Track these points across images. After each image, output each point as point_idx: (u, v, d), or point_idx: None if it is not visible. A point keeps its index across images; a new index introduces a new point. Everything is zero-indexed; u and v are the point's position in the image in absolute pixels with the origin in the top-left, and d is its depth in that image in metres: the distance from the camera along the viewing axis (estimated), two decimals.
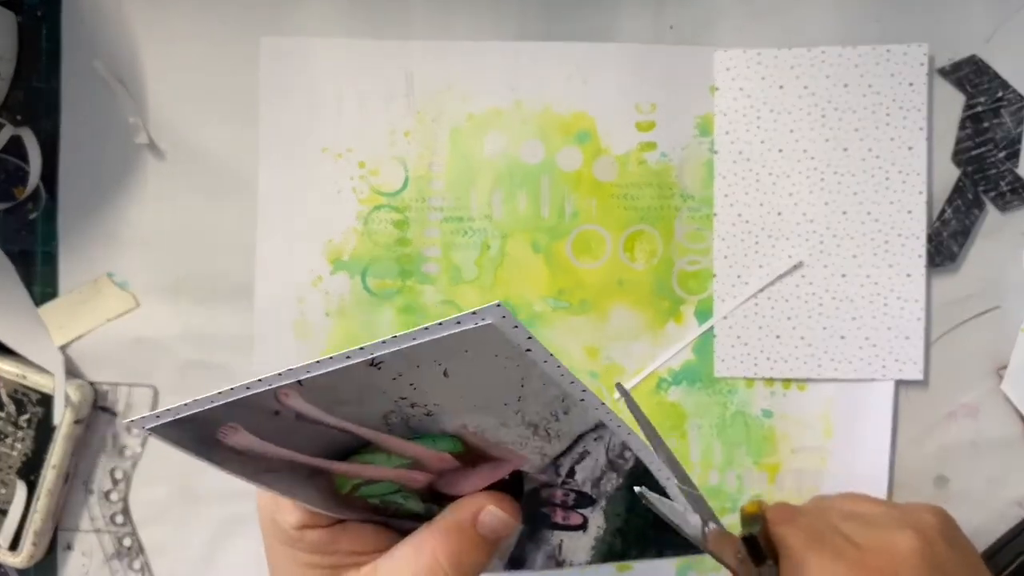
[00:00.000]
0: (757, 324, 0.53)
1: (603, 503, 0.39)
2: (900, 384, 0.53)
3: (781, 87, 0.52)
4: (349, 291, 0.54)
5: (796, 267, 0.53)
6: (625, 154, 0.53)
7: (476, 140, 0.53)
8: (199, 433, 0.32)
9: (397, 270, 0.54)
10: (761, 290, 0.53)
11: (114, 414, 0.56)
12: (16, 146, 0.56)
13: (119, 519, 0.57)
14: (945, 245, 0.53)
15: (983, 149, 0.52)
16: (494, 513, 0.36)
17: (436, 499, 0.37)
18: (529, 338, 0.28)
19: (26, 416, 0.55)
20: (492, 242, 0.54)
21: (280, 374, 0.29)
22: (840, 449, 0.54)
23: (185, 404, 0.30)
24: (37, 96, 0.55)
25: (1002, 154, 0.52)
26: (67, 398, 0.54)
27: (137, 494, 0.57)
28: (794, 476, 0.54)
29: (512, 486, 0.38)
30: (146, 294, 0.56)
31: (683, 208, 0.53)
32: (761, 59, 0.52)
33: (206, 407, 0.30)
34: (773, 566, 0.42)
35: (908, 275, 0.52)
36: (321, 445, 0.34)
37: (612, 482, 0.38)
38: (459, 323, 0.27)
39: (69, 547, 0.57)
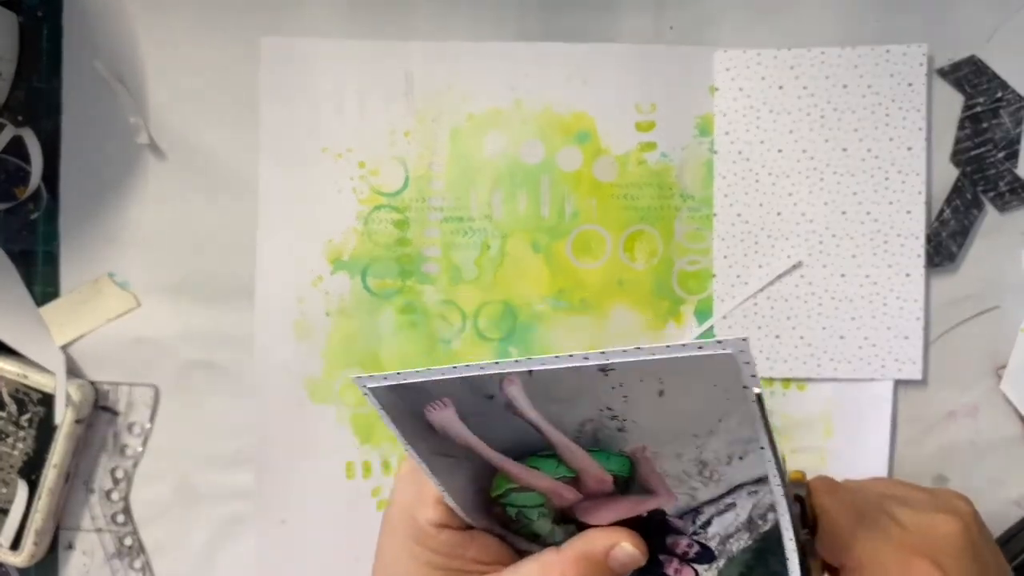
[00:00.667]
0: (756, 324, 0.53)
1: (722, 563, 0.37)
2: (899, 384, 0.53)
3: (781, 87, 0.53)
4: (349, 291, 0.54)
5: (795, 267, 0.53)
6: (625, 154, 0.53)
7: (476, 140, 0.54)
8: (412, 401, 0.33)
9: (397, 270, 0.54)
10: (760, 290, 0.53)
11: (115, 414, 0.56)
12: (17, 146, 0.56)
13: (120, 518, 0.57)
14: (944, 245, 0.53)
15: (982, 149, 0.52)
16: (628, 551, 0.35)
17: (566, 522, 0.37)
18: (753, 376, 0.29)
19: (27, 415, 0.55)
20: (492, 242, 0.54)
21: (517, 361, 0.30)
22: (840, 449, 0.54)
23: (417, 371, 0.31)
24: (38, 96, 0.55)
25: (1001, 154, 0.52)
26: (68, 398, 0.54)
27: (138, 493, 0.57)
28: None
29: (642, 525, 0.37)
30: (147, 294, 0.56)
31: (683, 208, 0.53)
32: (761, 59, 0.52)
33: (437, 377, 0.31)
34: (809, 536, 0.42)
35: (907, 275, 0.52)
36: (506, 441, 0.34)
37: (741, 542, 0.36)
38: (701, 348, 0.28)
39: (70, 546, 0.57)
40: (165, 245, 0.56)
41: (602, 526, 0.36)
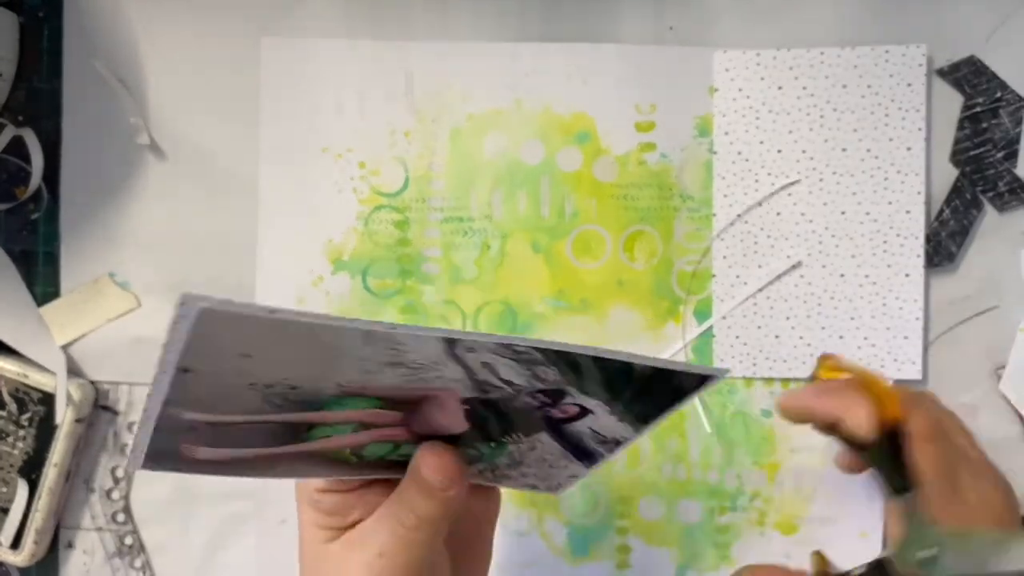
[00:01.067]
0: (756, 324, 0.54)
1: (571, 389, 0.36)
2: (899, 384, 0.53)
3: (780, 88, 0.53)
4: (350, 291, 0.55)
5: (795, 267, 0.53)
6: (625, 154, 0.53)
7: (476, 140, 0.54)
8: (162, 449, 0.33)
9: (397, 270, 0.54)
10: (760, 290, 0.53)
11: (115, 413, 0.57)
12: (18, 146, 0.56)
13: (120, 517, 0.57)
14: (944, 245, 0.53)
15: (982, 149, 0.52)
16: (424, 457, 0.37)
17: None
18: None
19: (28, 415, 0.55)
20: (492, 242, 0.54)
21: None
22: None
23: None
24: (39, 97, 0.56)
25: (1000, 154, 0.52)
26: (68, 397, 0.54)
27: (138, 493, 0.57)
28: (793, 476, 0.54)
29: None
30: (147, 294, 0.56)
31: (682, 208, 0.54)
32: (760, 60, 0.53)
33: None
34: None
35: (907, 275, 0.53)
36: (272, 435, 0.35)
37: (549, 375, 0.35)
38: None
39: (70, 545, 0.57)
40: (165, 245, 0.56)
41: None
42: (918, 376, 0.53)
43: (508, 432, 0.39)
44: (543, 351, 0.33)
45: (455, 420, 0.37)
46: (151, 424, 0.31)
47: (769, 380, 0.54)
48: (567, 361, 0.34)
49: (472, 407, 0.37)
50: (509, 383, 0.36)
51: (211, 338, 0.28)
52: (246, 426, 0.34)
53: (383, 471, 0.38)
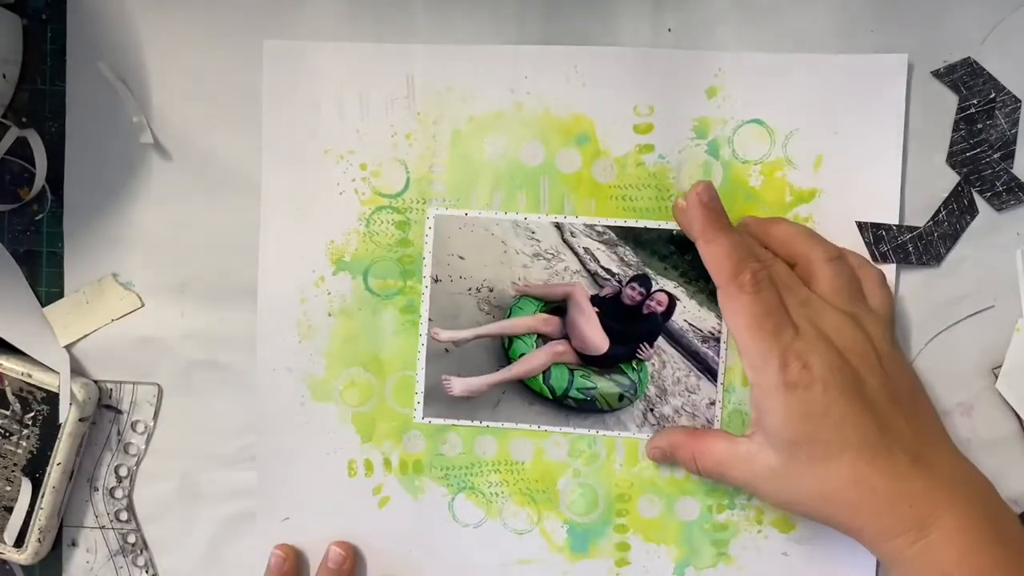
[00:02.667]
0: None
1: (650, 272, 0.54)
2: None
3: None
4: (351, 291, 0.55)
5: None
6: (623, 156, 0.54)
7: (477, 142, 0.54)
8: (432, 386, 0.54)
9: (399, 270, 0.55)
10: None
11: (119, 412, 0.57)
12: (22, 148, 0.56)
13: (123, 516, 0.57)
14: (933, 245, 0.53)
15: (978, 150, 0.53)
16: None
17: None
18: None
19: (31, 414, 0.56)
20: None
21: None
22: None
23: None
24: (42, 98, 0.56)
25: (997, 155, 0.53)
26: (72, 396, 0.55)
27: (141, 491, 0.57)
28: None
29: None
30: (150, 294, 0.56)
31: None
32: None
33: None
34: None
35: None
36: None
37: (628, 255, 0.54)
38: None
39: (74, 544, 0.58)
40: (168, 246, 0.56)
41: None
42: None
43: (637, 340, 0.54)
44: (613, 228, 0.53)
45: (596, 331, 0.53)
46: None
47: None
48: (632, 237, 0.53)
49: (602, 319, 0.53)
50: (609, 272, 0.53)
51: (441, 243, 0.53)
52: (476, 349, 0.54)
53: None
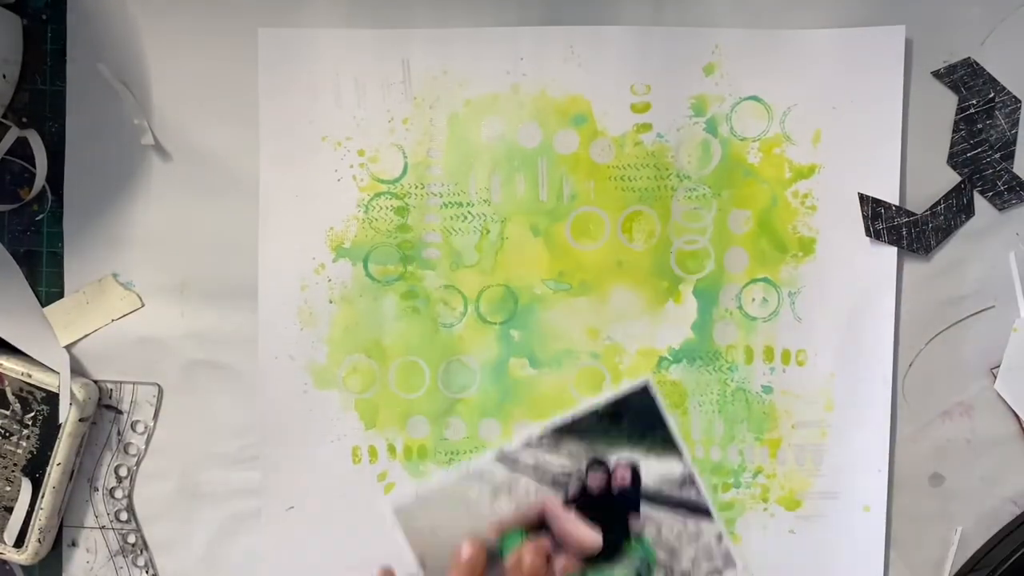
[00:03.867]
0: None
1: (600, 452, 0.54)
2: (896, 383, 0.54)
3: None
4: (351, 278, 0.55)
5: None
6: (621, 136, 0.54)
7: (474, 125, 0.54)
8: None
9: (398, 256, 0.55)
10: None
11: (119, 412, 0.56)
12: (22, 148, 0.56)
13: (123, 516, 0.57)
14: (925, 236, 0.53)
15: (979, 150, 0.53)
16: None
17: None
18: None
19: (31, 414, 0.55)
20: (492, 226, 0.54)
21: None
22: (840, 423, 0.54)
23: None
24: (42, 98, 0.56)
25: (998, 155, 0.53)
26: (72, 396, 0.54)
27: (141, 491, 0.57)
28: (795, 451, 0.54)
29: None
30: (150, 294, 0.56)
31: (680, 188, 0.54)
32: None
33: None
34: None
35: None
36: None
37: (572, 447, 0.54)
38: None
39: (74, 544, 0.57)
40: (169, 245, 0.56)
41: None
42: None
43: (624, 518, 0.54)
44: (546, 435, 0.54)
45: (584, 529, 0.53)
46: None
47: (770, 356, 0.54)
48: (567, 431, 0.54)
49: (583, 516, 0.53)
50: (565, 471, 0.54)
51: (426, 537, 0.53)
52: None
53: None
